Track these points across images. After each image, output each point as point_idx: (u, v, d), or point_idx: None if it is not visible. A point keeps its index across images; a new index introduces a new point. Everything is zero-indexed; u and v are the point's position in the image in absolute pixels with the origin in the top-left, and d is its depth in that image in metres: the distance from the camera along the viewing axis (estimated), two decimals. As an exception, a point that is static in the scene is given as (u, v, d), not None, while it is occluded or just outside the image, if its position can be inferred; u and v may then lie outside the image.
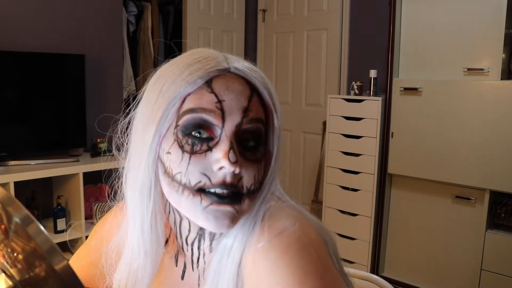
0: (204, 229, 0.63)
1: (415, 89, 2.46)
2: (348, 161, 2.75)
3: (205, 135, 0.57)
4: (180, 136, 0.57)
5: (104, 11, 2.87)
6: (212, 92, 0.57)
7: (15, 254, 0.48)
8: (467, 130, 2.30)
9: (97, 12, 2.83)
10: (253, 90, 0.59)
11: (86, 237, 2.63)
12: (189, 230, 0.65)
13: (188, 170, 0.56)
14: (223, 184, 0.56)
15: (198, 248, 0.66)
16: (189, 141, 0.57)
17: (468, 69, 2.31)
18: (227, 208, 0.56)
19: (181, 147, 0.57)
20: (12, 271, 0.48)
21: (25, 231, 0.43)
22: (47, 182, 2.64)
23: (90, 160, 2.60)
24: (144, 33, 3.49)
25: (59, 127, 2.66)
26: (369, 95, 2.72)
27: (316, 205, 3.17)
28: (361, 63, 3.04)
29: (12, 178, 2.23)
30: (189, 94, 0.57)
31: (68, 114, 2.69)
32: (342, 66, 3.22)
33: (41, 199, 2.58)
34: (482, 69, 2.27)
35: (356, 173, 2.73)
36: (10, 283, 0.47)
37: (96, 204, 2.68)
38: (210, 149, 0.56)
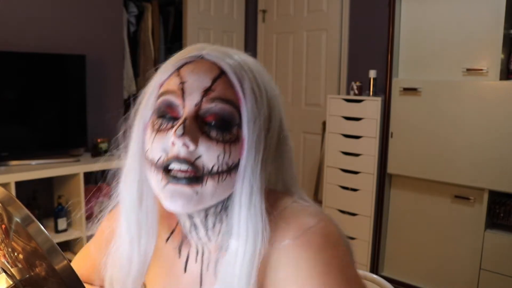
0: (193, 217, 0.64)
1: (415, 89, 2.46)
2: (348, 161, 2.76)
3: (173, 115, 0.60)
4: (154, 118, 0.61)
5: (105, 11, 2.87)
6: (178, 75, 0.61)
7: (15, 254, 0.49)
8: (466, 130, 2.30)
9: (98, 12, 2.84)
10: (223, 73, 0.60)
11: (87, 237, 2.63)
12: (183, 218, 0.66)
13: (153, 146, 0.60)
14: (177, 159, 0.58)
15: (197, 235, 0.66)
16: (159, 121, 0.60)
17: (467, 70, 2.31)
18: (183, 188, 0.58)
19: (153, 127, 0.61)
20: (13, 270, 0.48)
21: (26, 230, 0.44)
22: (48, 182, 2.64)
23: (90, 160, 2.60)
24: (145, 34, 3.49)
25: (60, 127, 2.67)
26: (369, 95, 2.72)
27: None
28: (360, 63, 3.04)
29: (13, 178, 2.23)
30: (164, 82, 0.62)
31: (69, 114, 2.69)
32: (341, 66, 3.22)
33: (42, 199, 2.59)
34: (481, 70, 2.27)
35: (356, 173, 2.73)
36: (11, 282, 0.48)
37: (97, 204, 2.68)
38: (172, 127, 0.59)
